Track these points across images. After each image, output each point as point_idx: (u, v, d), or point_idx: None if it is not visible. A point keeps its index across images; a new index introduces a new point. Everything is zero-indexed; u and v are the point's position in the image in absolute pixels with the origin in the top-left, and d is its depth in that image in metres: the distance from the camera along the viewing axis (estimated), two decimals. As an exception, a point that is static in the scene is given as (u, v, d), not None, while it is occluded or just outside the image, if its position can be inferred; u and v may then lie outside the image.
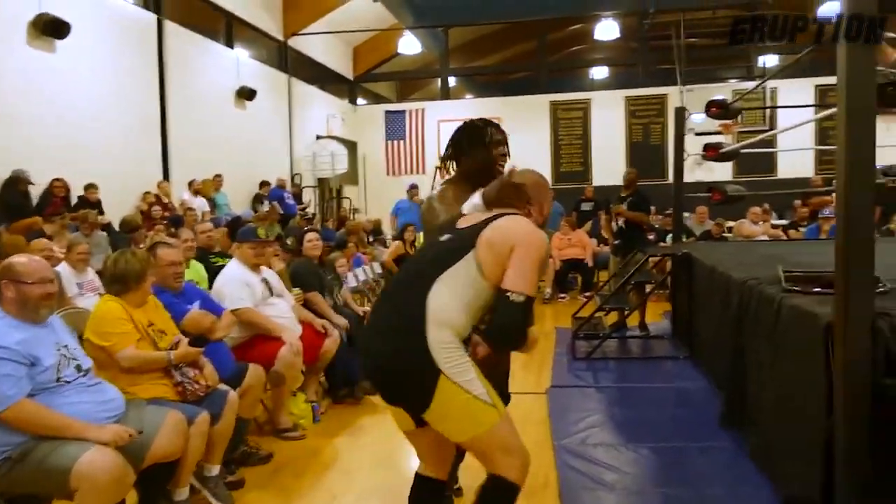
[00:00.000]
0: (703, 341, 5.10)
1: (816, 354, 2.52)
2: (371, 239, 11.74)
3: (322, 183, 13.93)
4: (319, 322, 4.59)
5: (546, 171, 14.52)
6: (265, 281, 4.31)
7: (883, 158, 2.43)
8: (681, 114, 6.59)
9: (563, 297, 9.27)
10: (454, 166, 2.85)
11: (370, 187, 15.31)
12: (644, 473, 3.33)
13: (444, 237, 2.18)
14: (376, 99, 17.62)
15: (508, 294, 1.98)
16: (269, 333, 4.03)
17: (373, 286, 7.38)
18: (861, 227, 2.31)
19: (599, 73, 17.80)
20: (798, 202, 10.16)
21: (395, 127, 15.41)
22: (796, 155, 12.05)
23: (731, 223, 9.16)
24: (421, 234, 8.97)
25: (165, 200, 9.05)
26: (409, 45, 14.16)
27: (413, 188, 11.93)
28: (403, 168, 15.29)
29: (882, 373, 2.28)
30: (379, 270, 7.98)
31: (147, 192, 8.92)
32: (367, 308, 5.94)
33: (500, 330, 2.02)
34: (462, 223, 2.20)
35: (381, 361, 2.04)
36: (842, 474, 2.32)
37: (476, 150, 2.77)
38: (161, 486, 2.82)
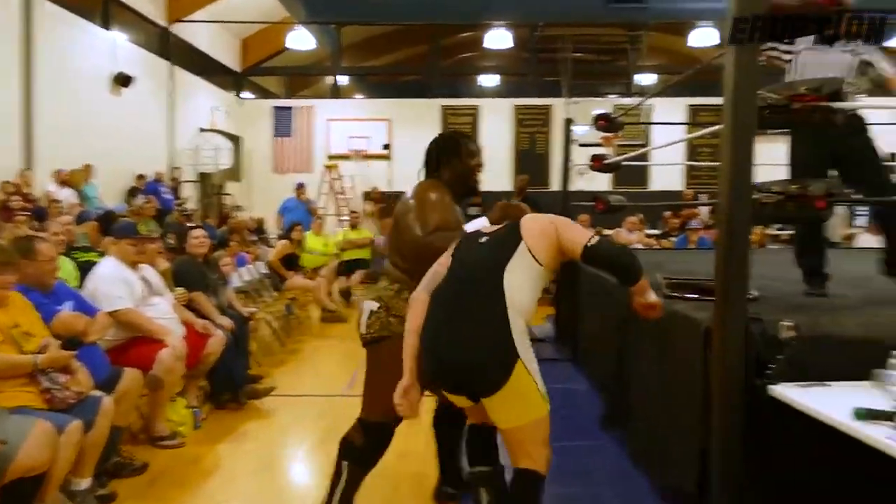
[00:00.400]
0: (586, 344, 5.30)
1: (694, 357, 2.67)
2: (254, 238, 11.38)
3: (204, 178, 13.33)
4: (200, 323, 4.39)
5: (435, 174, 14.61)
6: (144, 279, 4.07)
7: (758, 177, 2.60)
8: (568, 125, 6.83)
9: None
10: (423, 174, 2.92)
11: (255, 184, 14.82)
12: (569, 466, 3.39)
13: (483, 239, 2.38)
14: (264, 93, 17.10)
15: (589, 244, 2.26)
16: (150, 335, 3.80)
17: (258, 286, 7.14)
18: (740, 239, 2.47)
19: (489, 80, 18.16)
20: (668, 213, 10.79)
21: (283, 123, 15.00)
22: (667, 169, 12.80)
23: (608, 231, 9.60)
24: (339, 233, 8.61)
25: (26, 191, 8.33)
26: (301, 40, 13.82)
27: (301, 187, 11.72)
28: (290, 166, 14.92)
29: (754, 374, 2.44)
30: (264, 270, 7.73)
31: (6, 182, 8.17)
32: (253, 309, 5.74)
33: (620, 266, 2.33)
34: (486, 230, 2.45)
35: (470, 355, 2.16)
36: (717, 471, 2.46)
37: (452, 161, 2.85)
38: (25, 502, 2.58)
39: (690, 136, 10.02)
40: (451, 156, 2.85)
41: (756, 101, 2.53)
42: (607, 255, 2.32)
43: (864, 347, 2.37)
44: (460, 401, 2.33)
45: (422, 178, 2.89)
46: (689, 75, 4.59)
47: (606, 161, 5.97)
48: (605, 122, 6.27)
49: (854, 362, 2.33)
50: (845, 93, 2.95)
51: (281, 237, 9.30)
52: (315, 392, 5.12)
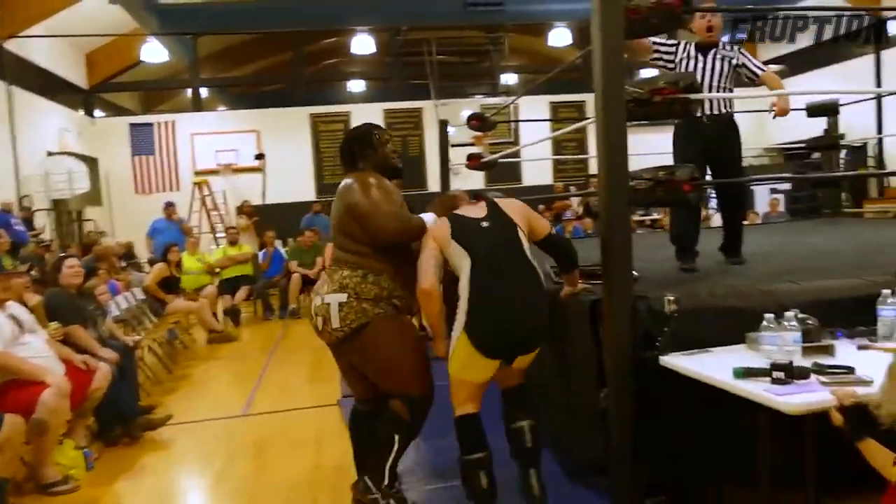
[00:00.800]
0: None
1: (585, 334, 2.87)
2: (124, 263, 10.76)
3: (59, 205, 12.39)
4: (79, 358, 4.13)
5: (309, 183, 14.42)
6: (13, 317, 3.79)
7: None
8: (444, 126, 7.00)
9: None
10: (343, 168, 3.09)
11: (116, 207, 13.95)
12: (445, 464, 3.46)
13: (484, 224, 2.79)
14: (118, 111, 16.12)
15: (552, 231, 2.97)
16: (27, 378, 3.54)
17: (136, 314, 6.78)
18: (620, 223, 2.68)
19: (357, 86, 18.12)
20: (542, 207, 11.27)
21: (142, 141, 14.23)
22: (536, 164, 13.34)
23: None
24: (218, 250, 8.22)
25: None
26: (154, 52, 13.16)
27: (170, 206, 11.16)
28: (155, 185, 14.19)
29: (643, 347, 2.66)
30: (141, 296, 7.34)
31: None
32: (137, 337, 5.47)
33: (571, 254, 2.97)
34: (476, 217, 2.84)
35: (541, 320, 2.72)
36: (614, 439, 2.65)
37: (368, 152, 2.99)
38: None
39: (559, 132, 10.49)
40: (366, 147, 2.99)
41: (624, 96, 2.75)
42: (563, 243, 3.05)
43: (738, 314, 2.64)
44: (490, 370, 2.72)
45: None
46: (554, 74, 4.89)
47: (484, 160, 6.18)
48: (477, 122, 6.50)
49: (730, 329, 2.59)
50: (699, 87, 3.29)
51: (154, 261, 8.86)
52: (212, 416, 4.95)
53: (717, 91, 3.78)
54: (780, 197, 11.99)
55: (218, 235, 12.70)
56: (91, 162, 13.17)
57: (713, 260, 3.99)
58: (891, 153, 13.32)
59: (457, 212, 2.90)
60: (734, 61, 3.79)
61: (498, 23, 14.33)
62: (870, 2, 12.97)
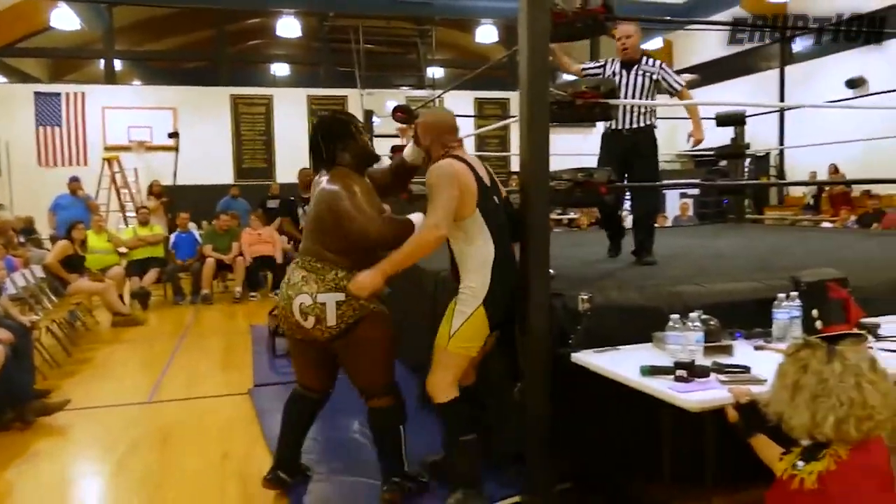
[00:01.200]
0: (399, 331, 5.45)
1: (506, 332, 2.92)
2: (23, 239, 10.17)
3: (-49, 174, 11.62)
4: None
5: (228, 167, 14.02)
6: None
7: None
8: (369, 116, 6.95)
9: (254, 296, 9.10)
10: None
11: (17, 180, 13.15)
12: (358, 460, 3.47)
13: (496, 199, 2.81)
14: (22, 77, 15.16)
15: None
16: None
17: (35, 292, 6.42)
18: (540, 222, 2.74)
19: (281, 69, 17.72)
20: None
21: (48, 111, 13.45)
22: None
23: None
24: (127, 230, 7.89)
25: None
26: (65, 18, 12.45)
27: (74, 181, 10.55)
28: (60, 159, 13.45)
29: (557, 344, 2.73)
30: (40, 274, 6.96)
31: None
32: (35, 317, 5.19)
33: None
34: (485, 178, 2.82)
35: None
36: (531, 432, 2.73)
37: (349, 143, 2.92)
38: None
39: (483, 129, 10.58)
40: (346, 139, 2.93)
41: (548, 98, 2.81)
42: None
43: (647, 314, 2.76)
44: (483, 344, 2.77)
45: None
46: (481, 71, 5.00)
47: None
48: (402, 114, 6.46)
49: (639, 327, 2.70)
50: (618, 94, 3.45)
51: (56, 238, 8.41)
52: (116, 402, 4.75)
53: (632, 107, 4.03)
54: (690, 202, 12.54)
55: (128, 215, 12.17)
56: (-11, 130, 12.38)
57: (625, 261, 4.16)
58: (790, 163, 14.17)
59: (471, 163, 2.79)
60: (655, 76, 4.03)
61: (427, 15, 14.33)
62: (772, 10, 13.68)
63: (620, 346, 2.63)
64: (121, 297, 7.98)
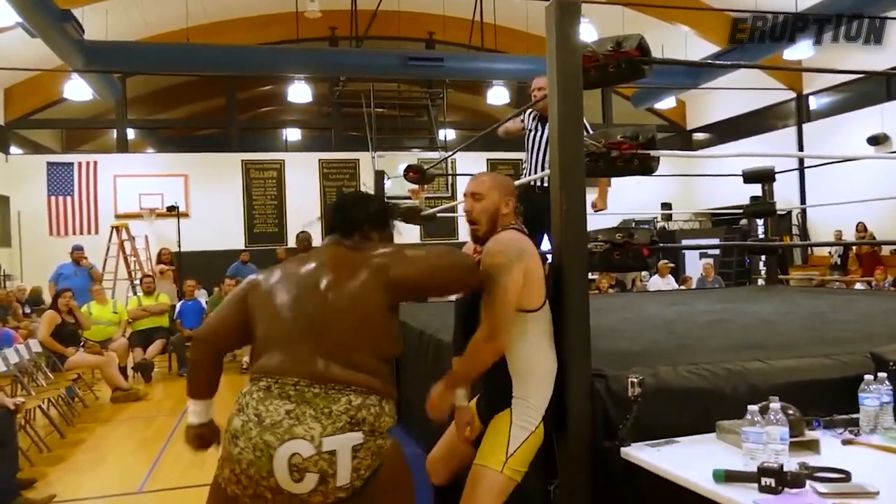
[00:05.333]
0: (412, 407, 5.04)
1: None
2: (29, 310, 9.93)
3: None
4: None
5: (239, 231, 13.85)
6: None
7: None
8: (380, 177, 6.71)
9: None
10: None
11: (27, 249, 13.02)
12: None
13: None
14: (36, 148, 15.20)
15: None
16: None
17: (29, 368, 6.07)
18: (579, 290, 2.38)
19: (293, 134, 17.74)
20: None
21: (60, 181, 13.43)
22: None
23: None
24: (132, 299, 7.58)
25: None
26: (78, 90, 12.50)
27: (78, 250, 10.20)
28: (71, 228, 13.35)
29: (602, 436, 2.33)
30: (37, 349, 6.63)
31: None
32: (20, 399, 4.82)
33: None
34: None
35: None
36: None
37: (386, 228, 2.29)
38: None
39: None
40: (385, 225, 2.30)
41: (583, 149, 2.50)
42: None
43: (705, 397, 2.35)
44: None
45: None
46: (491, 130, 4.82)
47: (423, 213, 5.89)
48: (415, 174, 6.23)
49: (696, 413, 2.30)
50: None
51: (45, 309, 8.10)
52: (103, 492, 4.33)
53: (543, 163, 3.72)
54: (711, 261, 12.16)
55: (136, 283, 11.93)
56: (2, 200, 12.30)
57: (664, 330, 3.75)
58: (813, 222, 13.79)
59: (524, 234, 2.37)
60: None
61: (437, 79, 14.33)
62: (792, 79, 13.60)
63: (678, 438, 2.21)
64: (125, 369, 7.61)
